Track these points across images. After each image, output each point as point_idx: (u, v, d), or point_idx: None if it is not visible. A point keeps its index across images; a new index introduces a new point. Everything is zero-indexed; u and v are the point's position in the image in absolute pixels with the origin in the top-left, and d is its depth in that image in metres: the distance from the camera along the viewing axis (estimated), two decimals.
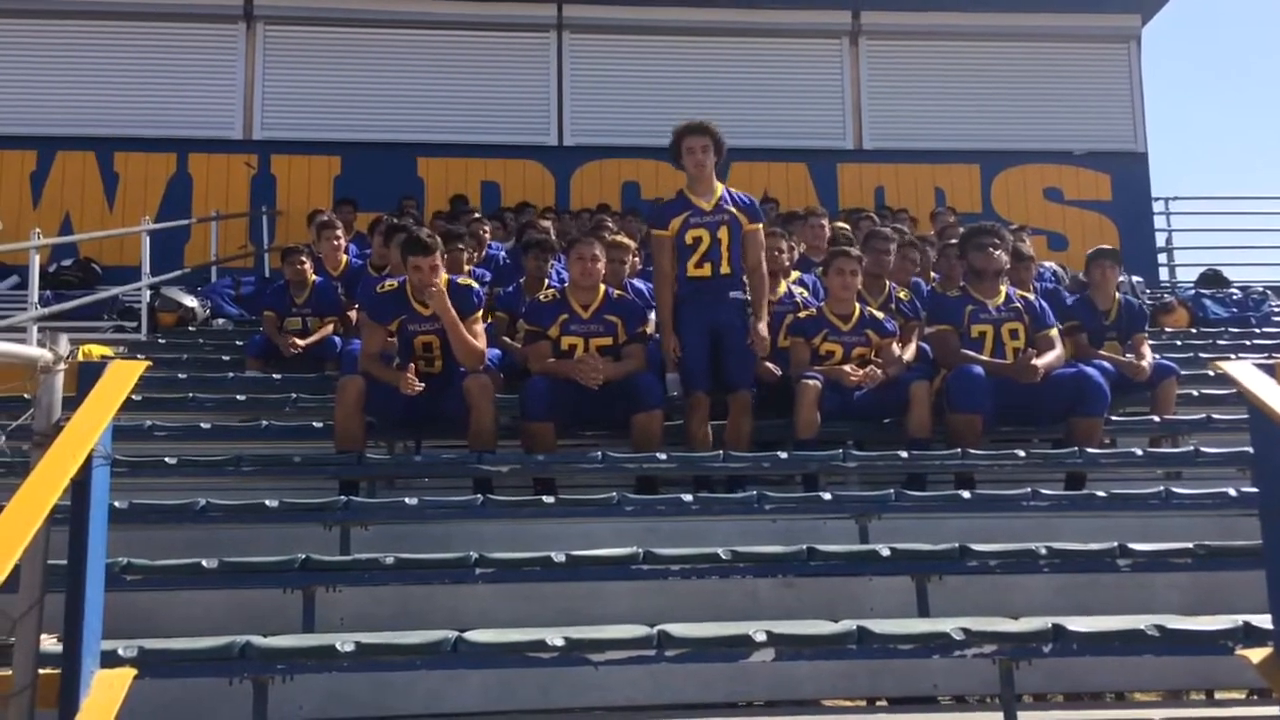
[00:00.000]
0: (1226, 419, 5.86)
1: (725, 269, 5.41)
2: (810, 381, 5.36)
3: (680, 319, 5.39)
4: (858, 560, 4.02)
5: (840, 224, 8.36)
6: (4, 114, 12.25)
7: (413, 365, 5.30)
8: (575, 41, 13.29)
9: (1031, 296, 5.97)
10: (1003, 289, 5.83)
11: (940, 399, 5.54)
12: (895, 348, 5.75)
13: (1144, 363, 6.08)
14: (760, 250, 5.52)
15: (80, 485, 2.43)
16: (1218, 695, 4.10)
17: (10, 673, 2.35)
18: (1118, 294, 6.67)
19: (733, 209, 5.46)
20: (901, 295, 6.33)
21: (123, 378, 2.61)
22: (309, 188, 12.51)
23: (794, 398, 5.38)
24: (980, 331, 5.68)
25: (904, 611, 3.84)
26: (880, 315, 5.87)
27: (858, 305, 5.79)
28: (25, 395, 2.51)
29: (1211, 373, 6.50)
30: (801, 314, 5.87)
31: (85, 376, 2.56)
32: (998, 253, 5.80)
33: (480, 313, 5.54)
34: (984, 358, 5.56)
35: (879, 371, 5.48)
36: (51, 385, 2.45)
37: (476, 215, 9.59)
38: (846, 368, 5.51)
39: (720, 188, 5.54)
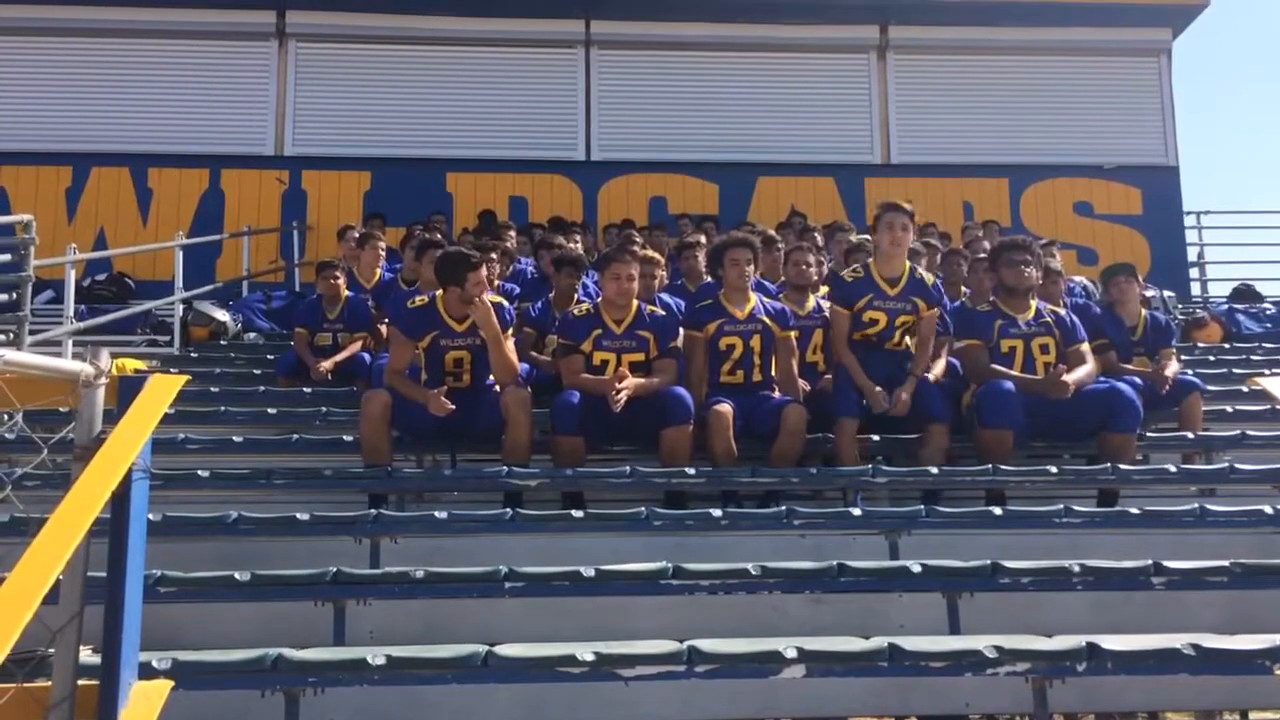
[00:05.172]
0: (1261, 435, 5.82)
1: (757, 376, 5.62)
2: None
3: None
4: (888, 576, 3.99)
5: (866, 237, 8.33)
6: (40, 131, 12.43)
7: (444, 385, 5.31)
8: (603, 57, 13.33)
9: (1062, 311, 5.92)
10: (1033, 304, 5.80)
11: (970, 415, 5.51)
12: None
13: (1167, 372, 6.04)
14: (791, 356, 5.72)
15: (119, 499, 2.46)
16: (1252, 716, 4.05)
17: (50, 684, 2.37)
18: (1144, 310, 6.63)
19: (765, 319, 5.66)
20: None
21: (162, 392, 2.64)
22: (339, 203, 12.62)
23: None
24: (1010, 346, 5.65)
25: (935, 629, 3.81)
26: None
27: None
28: (61, 409, 2.53)
29: (1246, 388, 6.49)
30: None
31: (125, 391, 2.59)
32: (1029, 269, 5.76)
33: (510, 330, 5.56)
34: (1014, 373, 5.52)
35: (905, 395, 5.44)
36: (93, 399, 2.46)
37: (512, 230, 9.63)
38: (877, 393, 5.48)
39: (754, 297, 5.74)
